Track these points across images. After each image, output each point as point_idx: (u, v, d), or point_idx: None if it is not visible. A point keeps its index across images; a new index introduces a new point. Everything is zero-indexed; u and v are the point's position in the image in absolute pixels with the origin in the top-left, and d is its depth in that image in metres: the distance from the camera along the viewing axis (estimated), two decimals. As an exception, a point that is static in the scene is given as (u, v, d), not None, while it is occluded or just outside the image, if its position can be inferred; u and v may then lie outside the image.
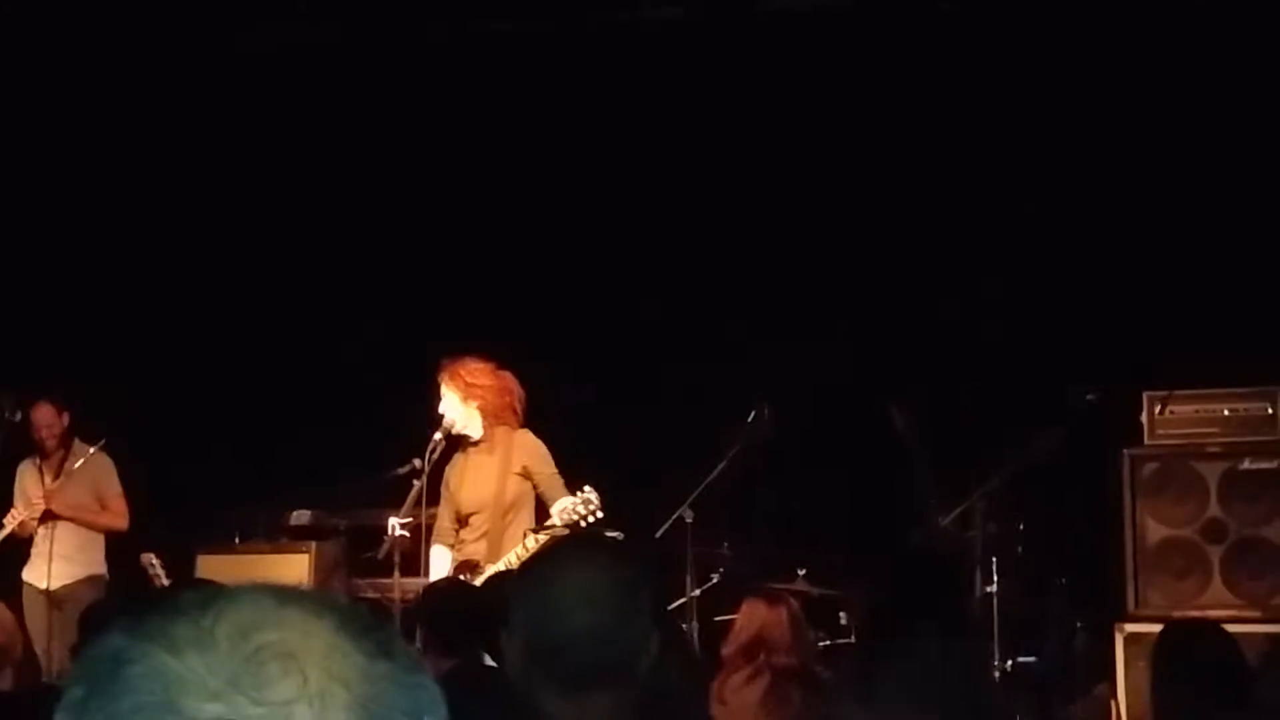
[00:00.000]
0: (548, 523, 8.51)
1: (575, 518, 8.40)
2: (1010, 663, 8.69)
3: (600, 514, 8.42)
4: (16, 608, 9.11)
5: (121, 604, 5.72)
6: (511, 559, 8.42)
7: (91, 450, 10.22)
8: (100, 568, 10.33)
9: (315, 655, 1.19)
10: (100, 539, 10.39)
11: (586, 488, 8.53)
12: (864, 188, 10.73)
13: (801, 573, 9.34)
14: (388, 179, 11.40)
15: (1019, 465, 8.84)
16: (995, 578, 8.78)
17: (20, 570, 10.03)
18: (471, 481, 8.87)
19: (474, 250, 11.21)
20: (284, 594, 1.24)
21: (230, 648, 1.18)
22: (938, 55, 10.59)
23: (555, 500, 8.58)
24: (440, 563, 8.83)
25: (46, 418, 10.25)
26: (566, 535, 7.85)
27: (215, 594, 1.23)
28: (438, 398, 8.89)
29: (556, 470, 8.72)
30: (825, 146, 10.77)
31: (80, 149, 11.68)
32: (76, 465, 10.23)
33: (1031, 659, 8.95)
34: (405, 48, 11.37)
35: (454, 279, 11.16)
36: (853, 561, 9.05)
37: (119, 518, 10.41)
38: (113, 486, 10.45)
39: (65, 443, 10.33)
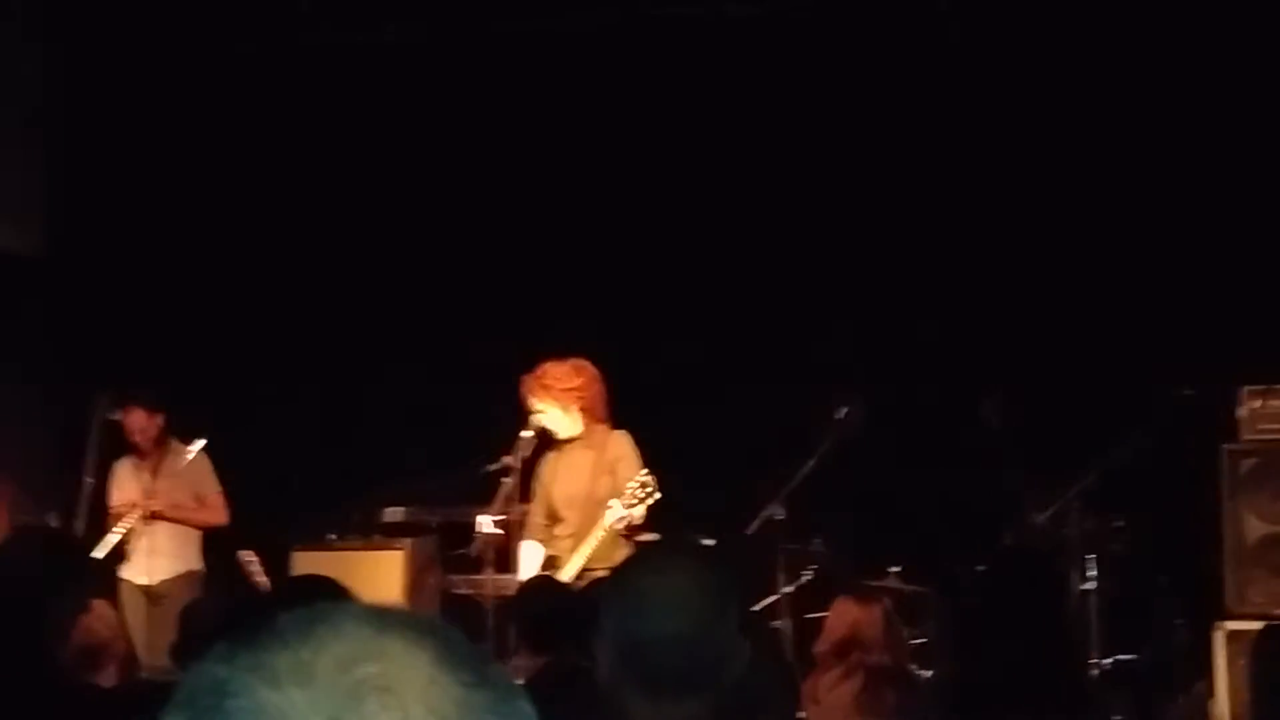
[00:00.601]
0: (608, 508, 8.47)
1: (634, 501, 8.38)
2: (1109, 660, 8.63)
3: (657, 494, 8.37)
4: (115, 604, 9.21)
5: (219, 605, 5.76)
6: (585, 551, 8.44)
7: (190, 452, 10.28)
8: (198, 563, 10.41)
9: (414, 688, 1.19)
10: (197, 535, 10.47)
11: (644, 470, 8.51)
12: (954, 178, 10.67)
13: (894, 570, 9.29)
14: (480, 177, 11.42)
15: (1116, 461, 8.77)
16: (1093, 575, 8.72)
17: (115, 566, 10.10)
18: (565, 477, 8.88)
19: (559, 244, 11.21)
20: (384, 621, 1.24)
21: (330, 681, 1.18)
22: (1027, 41, 10.52)
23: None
24: (531, 558, 8.85)
25: (139, 421, 10.28)
26: (656, 540, 7.85)
27: (315, 621, 1.23)
28: (523, 400, 8.86)
29: (644, 471, 8.63)
30: (911, 136, 10.72)
31: (169, 151, 11.79)
32: (178, 466, 10.29)
33: (1131, 656, 8.88)
34: (475, 45, 11.40)
35: (539, 273, 11.17)
36: (946, 559, 8.99)
37: (219, 513, 10.48)
38: (211, 484, 10.51)
39: (161, 443, 10.40)
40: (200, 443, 10.30)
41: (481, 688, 1.23)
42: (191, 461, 10.31)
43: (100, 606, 6.99)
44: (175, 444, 10.41)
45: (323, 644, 1.21)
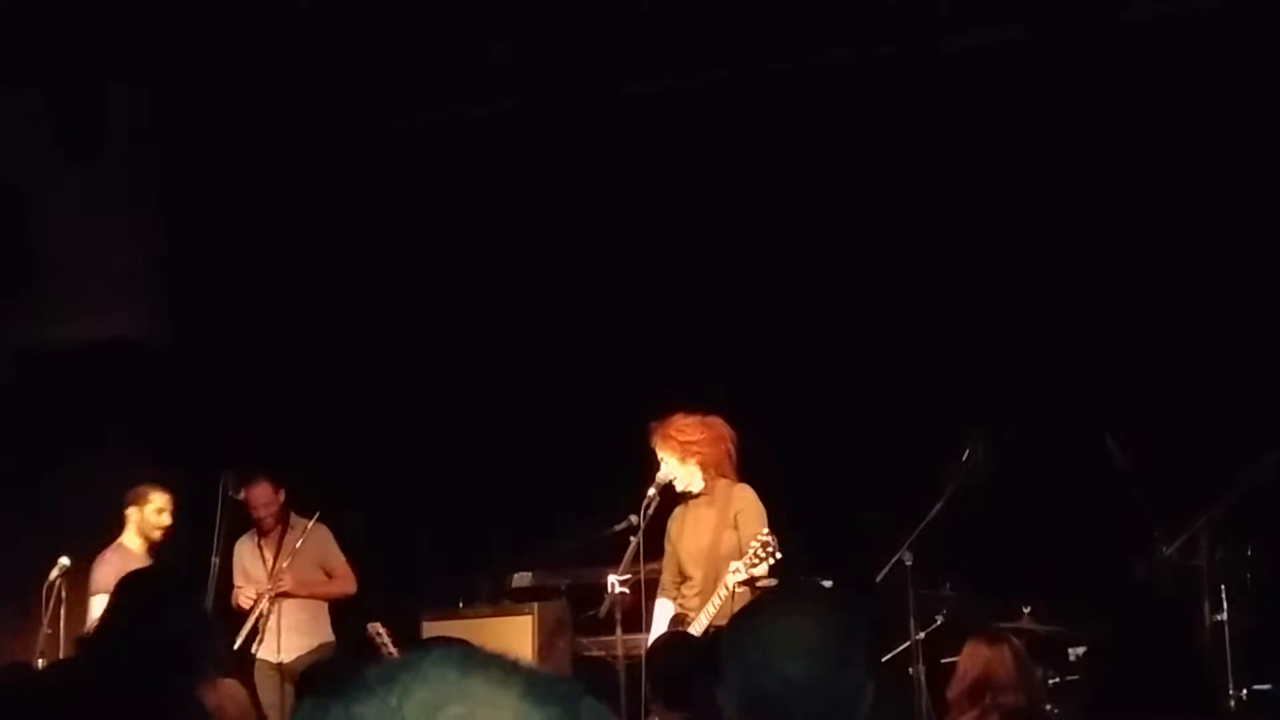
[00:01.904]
0: (731, 572, 8.41)
1: (756, 561, 8.34)
2: (1245, 691, 8.51)
3: (778, 554, 8.35)
4: (249, 684, 9.31)
5: (337, 667, 5.80)
6: (710, 609, 8.42)
7: (309, 524, 10.37)
8: (329, 635, 10.49)
9: None
10: (325, 607, 10.55)
11: (765, 530, 8.48)
12: (1073, 225, 10.62)
13: (1027, 610, 9.22)
14: (602, 243, 11.50)
15: (1244, 490, 8.67)
16: (1226, 605, 8.61)
17: (241, 643, 10.16)
18: (690, 534, 8.88)
19: (676, 298, 11.26)
20: (468, 664, 1.24)
21: None
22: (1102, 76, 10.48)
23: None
24: (663, 616, 8.85)
25: (264, 496, 10.39)
26: (777, 586, 7.83)
27: (400, 669, 1.24)
28: (653, 457, 8.90)
29: (765, 532, 8.54)
30: (1028, 183, 10.68)
31: (286, 230, 11.97)
32: (299, 543, 10.38)
33: (1267, 687, 8.75)
34: (593, 110, 11.50)
35: (658, 329, 11.21)
36: (1078, 598, 8.91)
37: (347, 582, 10.56)
38: (336, 554, 10.58)
39: (283, 519, 10.49)
40: (315, 515, 10.38)
41: None
42: (313, 534, 10.39)
43: (230, 686, 7.09)
44: (295, 519, 10.51)
45: (408, 690, 1.21)
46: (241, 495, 10.29)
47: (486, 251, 11.71)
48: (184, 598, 4.72)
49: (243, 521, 10.48)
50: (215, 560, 10.05)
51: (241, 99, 11.75)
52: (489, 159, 11.69)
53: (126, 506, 10.43)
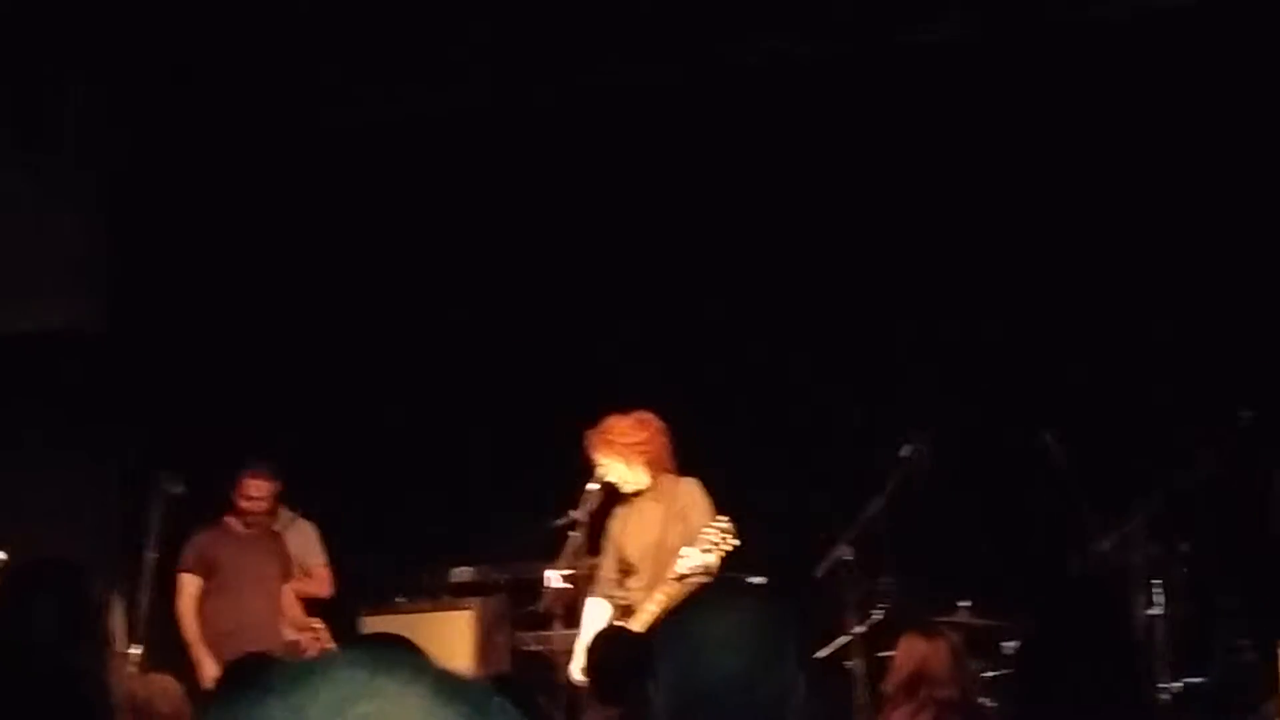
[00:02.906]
0: (682, 557, 8.37)
1: (711, 547, 8.33)
2: (1178, 684, 8.60)
3: (735, 540, 8.35)
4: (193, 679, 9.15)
5: (247, 666, 5.75)
6: (659, 598, 8.39)
7: (295, 519, 10.23)
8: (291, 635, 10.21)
9: None
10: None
11: (721, 518, 8.47)
12: (1007, 217, 10.67)
13: (963, 604, 9.28)
14: (535, 237, 11.50)
15: (1178, 487, 8.76)
16: (1159, 600, 8.70)
17: (176, 637, 9.94)
18: (636, 530, 8.80)
19: (618, 297, 11.27)
20: (377, 664, 1.23)
21: None
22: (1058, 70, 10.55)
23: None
24: (595, 614, 8.76)
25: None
26: (709, 583, 7.84)
27: (310, 669, 1.23)
28: (588, 456, 8.85)
29: (722, 519, 8.47)
30: (970, 177, 10.74)
31: (226, 224, 11.93)
32: (290, 536, 10.20)
33: (1199, 679, 8.84)
34: (530, 109, 11.51)
35: (598, 327, 11.22)
36: (1014, 592, 8.98)
37: (324, 585, 10.36)
38: (318, 554, 10.40)
39: (273, 513, 10.23)
40: (299, 510, 10.23)
41: (480, 719, 1.22)
42: (297, 530, 10.28)
43: (162, 682, 6.96)
44: (284, 512, 10.32)
45: (316, 690, 1.20)
46: (179, 490, 9.97)
47: (429, 247, 11.68)
48: (48, 587, 4.68)
49: (186, 520, 10.22)
50: (151, 555, 9.83)
51: (189, 94, 11.70)
52: (432, 154, 11.67)
53: (232, 490, 10.12)
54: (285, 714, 1.20)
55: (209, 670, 9.36)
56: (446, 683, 1.24)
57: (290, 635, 9.94)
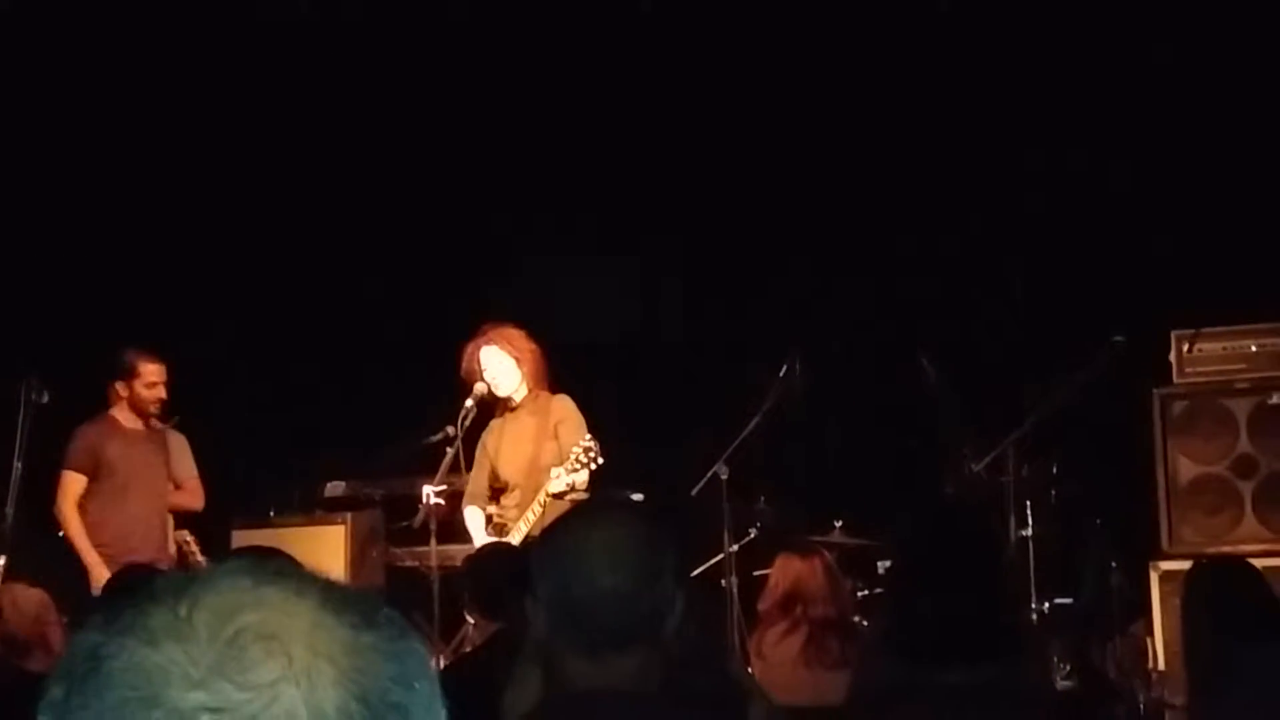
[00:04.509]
0: (553, 478, 8.44)
1: (577, 467, 8.37)
2: (1047, 604, 8.73)
3: (600, 459, 8.38)
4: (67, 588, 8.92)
5: (130, 576, 5.69)
6: (530, 518, 8.44)
7: (166, 430, 9.80)
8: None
9: (298, 633, 1.17)
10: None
11: (587, 436, 8.50)
12: (892, 139, 10.68)
13: (838, 524, 9.36)
14: (421, 154, 11.37)
15: (1050, 409, 8.86)
16: (1030, 521, 8.82)
17: (49, 547, 9.70)
18: (509, 445, 8.84)
19: (489, 213, 11.18)
20: (261, 574, 1.22)
21: (209, 634, 1.16)
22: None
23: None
24: (476, 522, 8.83)
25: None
26: (588, 499, 7.87)
27: (192, 579, 1.21)
28: (468, 362, 8.83)
29: (587, 437, 8.53)
30: (860, 99, 10.72)
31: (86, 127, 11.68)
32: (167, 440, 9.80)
33: (1068, 600, 8.98)
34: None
35: (471, 242, 11.14)
36: (888, 511, 9.06)
37: (196, 497, 9.92)
38: (189, 466, 9.96)
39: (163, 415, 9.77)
40: (174, 419, 9.79)
41: (369, 629, 1.21)
42: (170, 439, 9.82)
43: (18, 591, 6.81)
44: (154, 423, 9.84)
45: (199, 599, 1.19)
46: (45, 399, 9.62)
47: (305, 154, 11.48)
48: None
49: (52, 429, 9.95)
50: (18, 466, 9.57)
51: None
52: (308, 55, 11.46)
53: (114, 381, 9.68)
54: (170, 623, 1.18)
55: (100, 574, 9.03)
56: (334, 593, 1.22)
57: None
